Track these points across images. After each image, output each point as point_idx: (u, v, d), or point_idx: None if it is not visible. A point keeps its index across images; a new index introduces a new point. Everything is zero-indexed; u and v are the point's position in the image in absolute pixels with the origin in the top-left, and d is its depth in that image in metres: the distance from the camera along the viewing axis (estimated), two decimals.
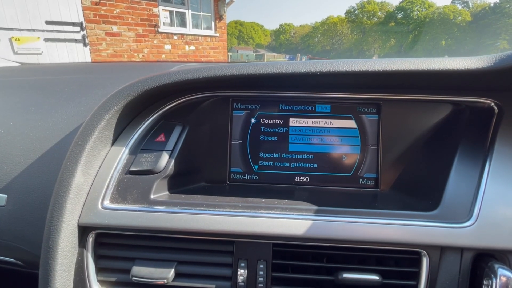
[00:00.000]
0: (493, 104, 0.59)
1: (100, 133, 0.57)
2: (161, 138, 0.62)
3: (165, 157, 0.60)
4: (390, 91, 0.65)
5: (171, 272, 0.53)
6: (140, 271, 0.53)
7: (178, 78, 0.57)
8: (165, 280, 0.52)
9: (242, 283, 0.53)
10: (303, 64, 0.55)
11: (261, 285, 0.53)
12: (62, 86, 0.82)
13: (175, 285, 0.54)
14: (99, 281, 0.56)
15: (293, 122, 0.70)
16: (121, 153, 0.60)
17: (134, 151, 0.61)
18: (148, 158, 0.60)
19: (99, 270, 0.57)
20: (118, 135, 0.62)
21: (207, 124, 0.70)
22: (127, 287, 0.56)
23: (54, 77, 0.92)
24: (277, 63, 0.56)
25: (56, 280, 0.51)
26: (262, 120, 0.71)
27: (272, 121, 0.71)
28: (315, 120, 0.70)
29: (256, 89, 0.68)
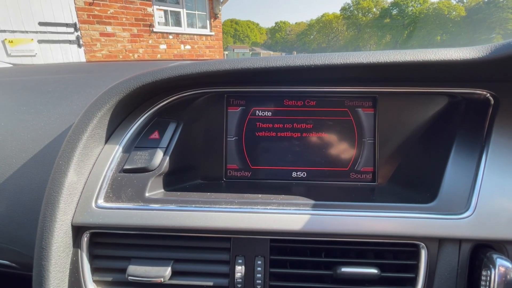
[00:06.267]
0: (488, 95, 0.59)
1: (93, 131, 0.56)
2: (155, 135, 0.62)
3: (159, 155, 0.60)
4: (386, 85, 0.64)
5: (168, 271, 0.53)
6: (136, 270, 0.53)
7: (172, 74, 0.56)
8: (162, 279, 0.52)
9: (240, 280, 0.53)
10: (298, 58, 0.54)
11: (259, 281, 0.53)
12: (54, 85, 0.81)
13: (172, 283, 0.54)
14: (94, 281, 0.55)
15: (288, 117, 0.70)
16: (115, 151, 0.59)
17: (128, 149, 0.60)
18: (143, 155, 0.59)
19: (95, 270, 0.56)
20: (112, 133, 0.61)
21: (202, 120, 0.69)
22: (123, 287, 0.55)
23: (45, 77, 0.91)
24: (271, 57, 0.55)
25: (50, 281, 0.50)
26: (258, 116, 0.70)
27: (267, 117, 0.70)
28: (310, 114, 0.69)
29: (251, 85, 0.67)
